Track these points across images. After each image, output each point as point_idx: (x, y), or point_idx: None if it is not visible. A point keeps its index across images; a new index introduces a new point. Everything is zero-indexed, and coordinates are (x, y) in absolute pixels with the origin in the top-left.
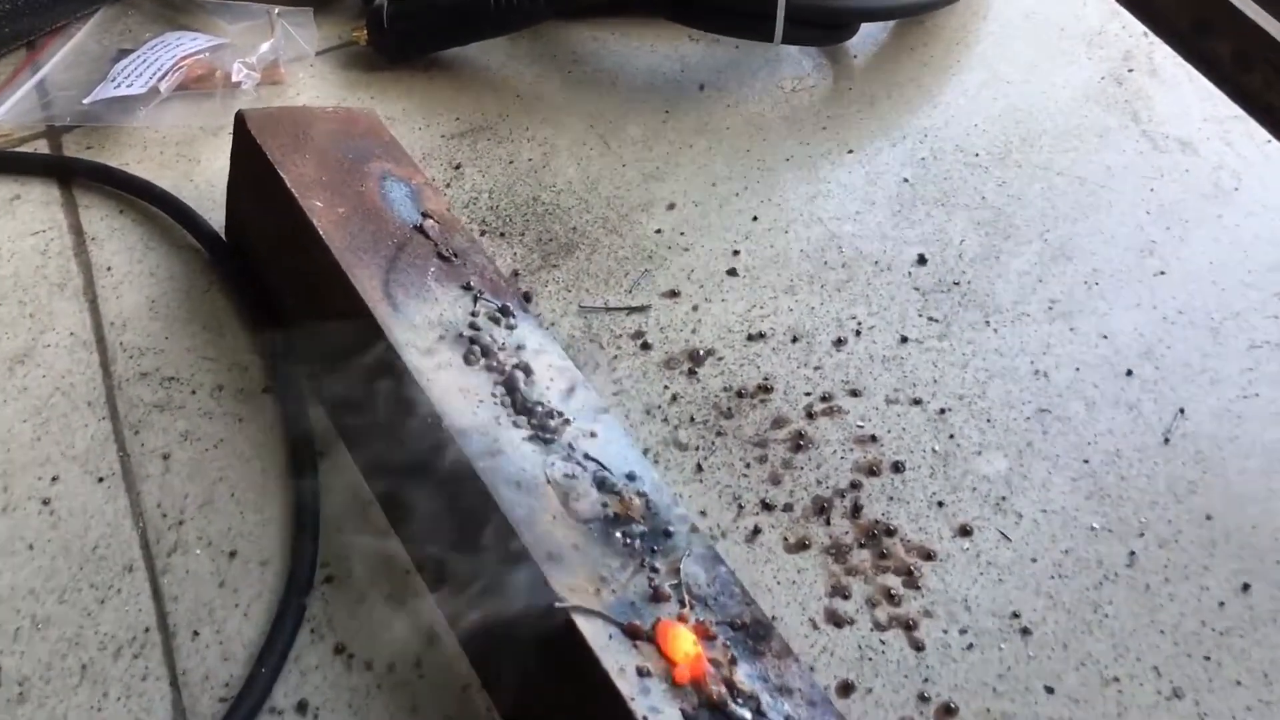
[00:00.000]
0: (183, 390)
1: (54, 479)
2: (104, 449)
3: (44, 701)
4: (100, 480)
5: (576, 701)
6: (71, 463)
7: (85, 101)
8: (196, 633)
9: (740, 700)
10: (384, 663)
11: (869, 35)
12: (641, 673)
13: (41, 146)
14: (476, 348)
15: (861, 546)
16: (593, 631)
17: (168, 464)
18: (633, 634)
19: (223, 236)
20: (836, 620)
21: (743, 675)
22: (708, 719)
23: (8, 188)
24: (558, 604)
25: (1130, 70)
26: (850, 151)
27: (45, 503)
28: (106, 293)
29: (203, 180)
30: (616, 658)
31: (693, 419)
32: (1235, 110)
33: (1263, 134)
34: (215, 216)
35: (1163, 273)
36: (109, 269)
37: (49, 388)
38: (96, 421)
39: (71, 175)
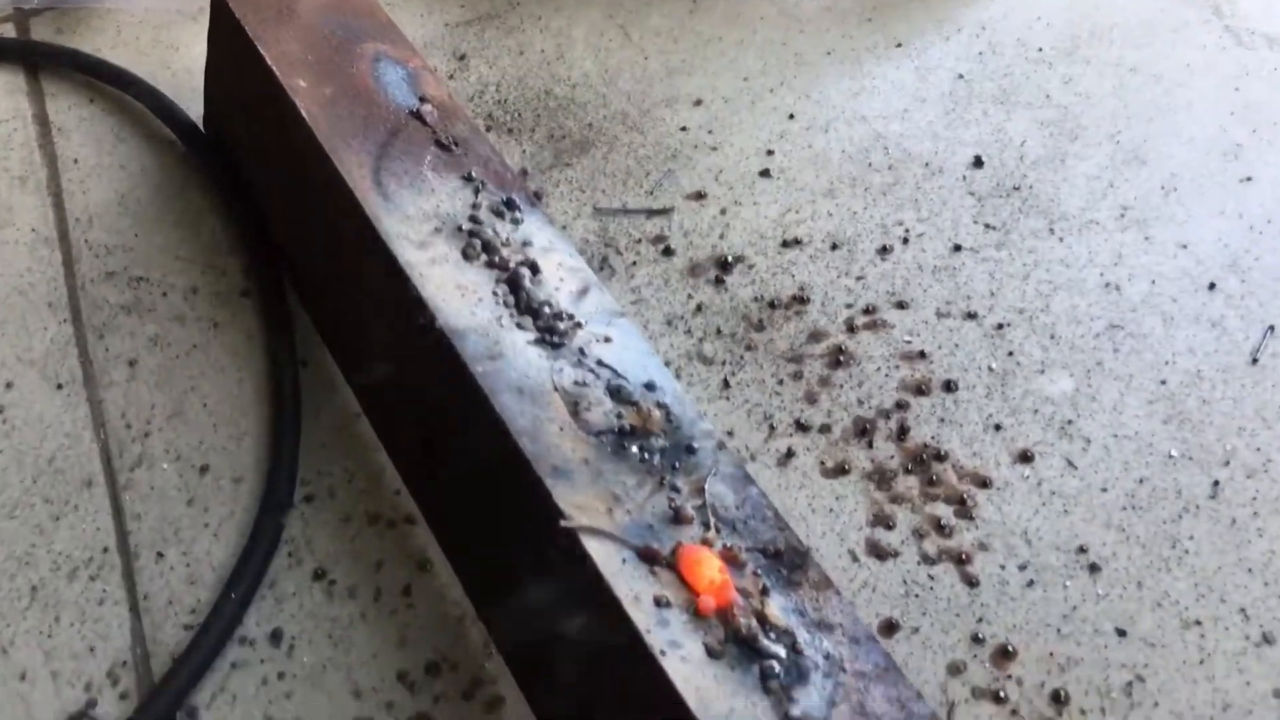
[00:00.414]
0: (153, 292)
1: (8, 385)
2: (64, 353)
3: None
4: (59, 387)
5: (585, 634)
6: (28, 367)
7: None
8: (161, 554)
9: (773, 635)
10: (369, 590)
11: None
12: (659, 602)
13: (8, 31)
14: (477, 242)
15: (908, 472)
16: (604, 555)
17: (134, 371)
18: (650, 559)
19: (200, 127)
20: (879, 553)
21: (776, 608)
22: (736, 655)
23: None
24: (563, 523)
25: None
26: (899, 45)
27: None
28: (72, 187)
29: (181, 68)
30: (630, 585)
31: (719, 331)
32: None
33: None
34: (194, 107)
35: (1249, 179)
36: (76, 161)
37: (6, 287)
38: (57, 324)
39: (38, 60)
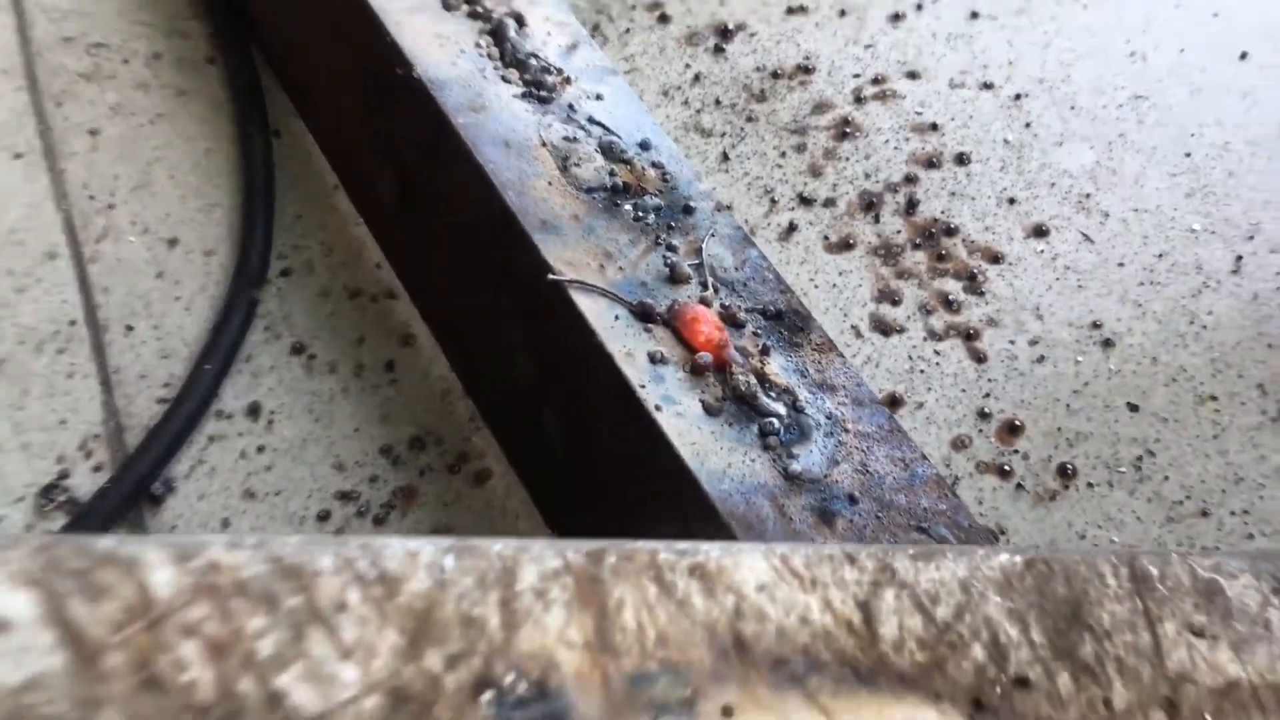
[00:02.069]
0: (113, 59)
1: None
2: (21, 122)
3: None
4: (17, 157)
5: (576, 395)
6: None
7: None
8: (130, 327)
9: (773, 394)
10: (350, 365)
11: None
12: (654, 359)
13: None
14: None
15: (916, 247)
16: (595, 311)
17: (96, 140)
18: (644, 316)
19: None
20: (884, 328)
21: (776, 367)
22: (734, 412)
23: None
24: (552, 276)
25: None
26: None
27: None
28: None
29: None
30: (623, 341)
31: (719, 102)
32: None
33: None
34: None
35: None
36: None
37: None
38: (12, 92)
39: None
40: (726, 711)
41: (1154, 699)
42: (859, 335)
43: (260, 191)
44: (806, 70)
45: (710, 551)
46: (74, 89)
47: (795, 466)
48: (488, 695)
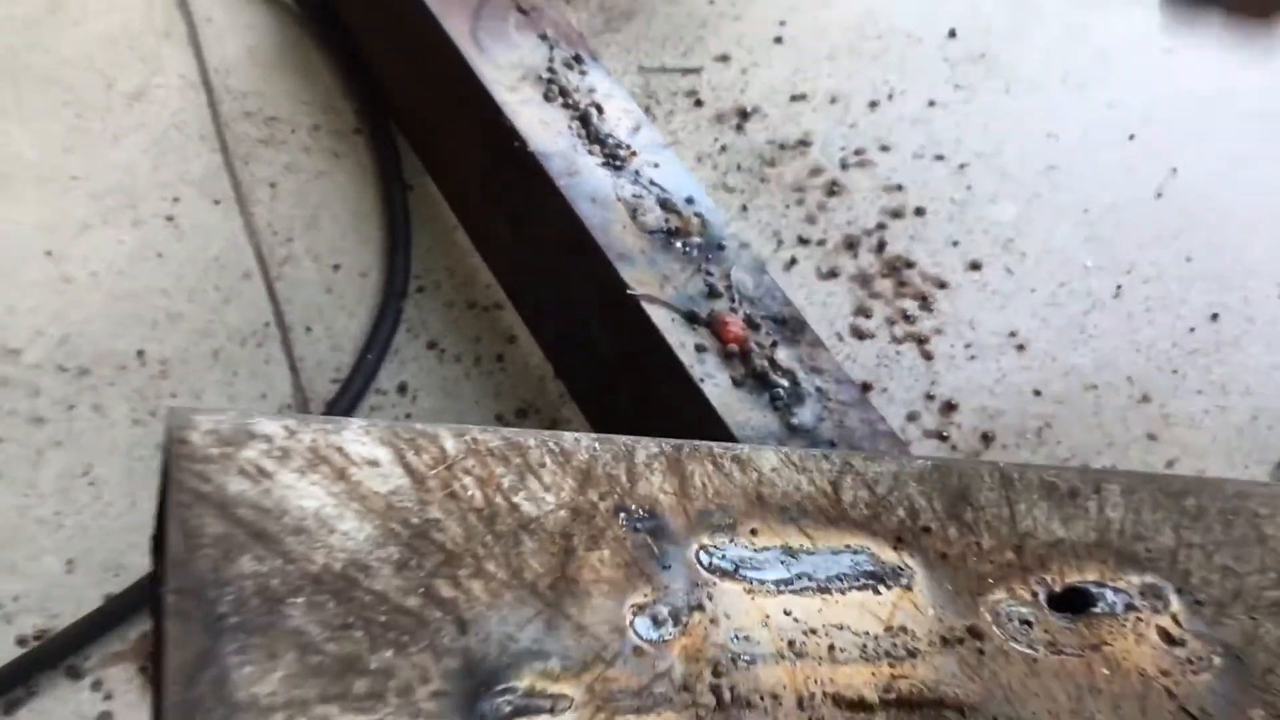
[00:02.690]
0: (283, 129)
1: (175, 199)
2: (217, 176)
3: (184, 378)
4: (216, 203)
5: (643, 374)
6: (190, 187)
7: None
8: (309, 328)
9: (779, 373)
10: (471, 357)
11: None
12: (699, 349)
13: None
14: (554, 88)
15: (884, 276)
16: (659, 315)
17: (275, 191)
18: (691, 319)
19: None
20: (859, 334)
21: (782, 356)
22: (752, 384)
23: None
24: (630, 290)
25: None
26: None
27: (169, 219)
28: (209, 41)
29: None
30: (678, 336)
31: (739, 167)
32: None
33: None
34: None
35: (1169, 50)
36: (210, 20)
37: (164, 123)
38: (209, 153)
39: None
40: (754, 532)
41: (1008, 545)
42: (841, 339)
43: (400, 229)
44: (805, 144)
45: (744, 449)
46: (255, 152)
47: (794, 421)
48: (622, 515)
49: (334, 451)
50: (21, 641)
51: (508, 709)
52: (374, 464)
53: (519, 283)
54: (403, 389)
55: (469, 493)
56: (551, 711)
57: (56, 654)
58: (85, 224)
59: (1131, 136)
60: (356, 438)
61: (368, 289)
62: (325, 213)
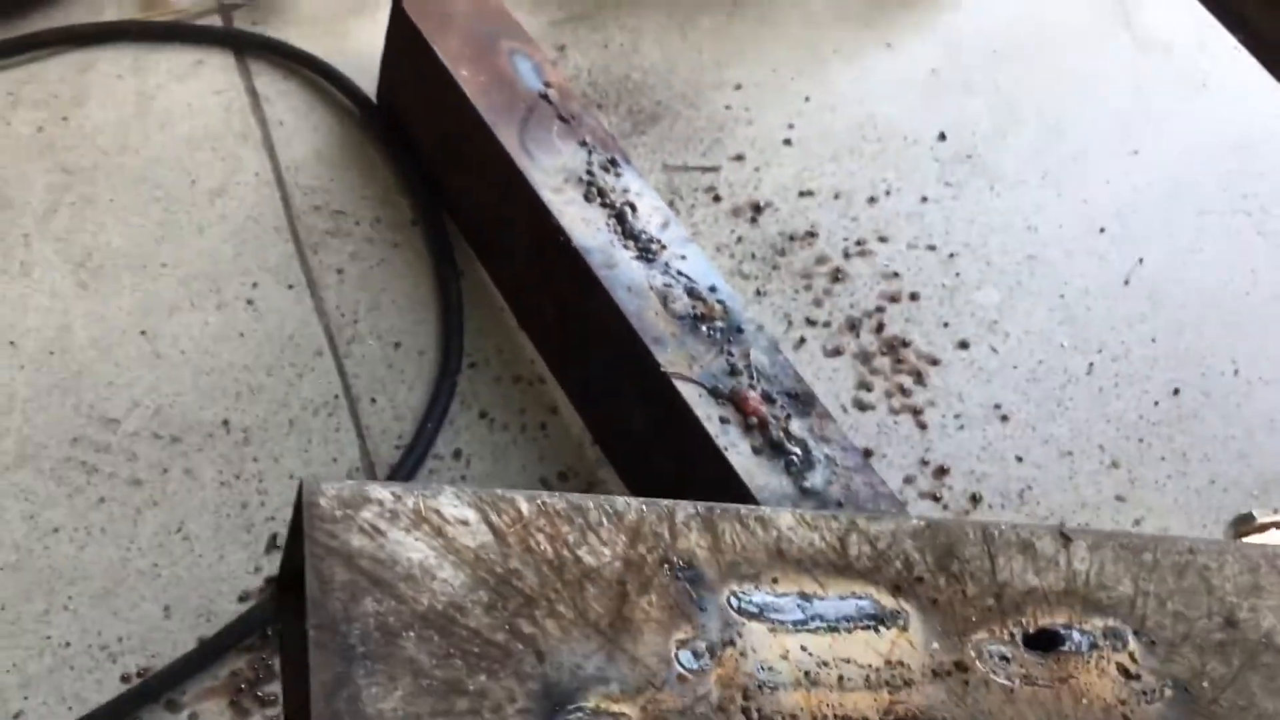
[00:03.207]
0: (348, 221)
1: (254, 285)
2: (290, 264)
3: (264, 445)
4: (290, 287)
5: (674, 442)
6: (266, 273)
7: None
8: (374, 400)
9: (793, 442)
10: (518, 425)
11: None
12: (723, 420)
13: (214, 21)
14: (593, 189)
15: (883, 354)
16: (688, 390)
17: (342, 276)
18: (715, 394)
19: (373, 99)
20: (861, 406)
21: (795, 427)
22: (770, 452)
23: (192, 54)
24: (663, 368)
25: None
26: (889, 45)
27: (249, 303)
28: (281, 143)
29: (352, 53)
30: (705, 409)
31: (754, 256)
32: (1210, 20)
33: (1232, 40)
34: (365, 83)
35: (1136, 151)
36: (281, 124)
37: (243, 216)
38: (282, 243)
39: (244, 46)
40: (775, 581)
41: (989, 592)
42: (845, 411)
43: (453, 311)
44: (812, 235)
45: (765, 510)
46: (324, 241)
47: (806, 484)
48: (666, 566)
49: (432, 513)
50: (125, 679)
51: None
52: (464, 523)
53: (561, 359)
54: (457, 454)
55: (541, 547)
56: None
57: (156, 690)
58: (175, 306)
59: (1102, 229)
60: (450, 501)
61: (425, 365)
62: (386, 296)
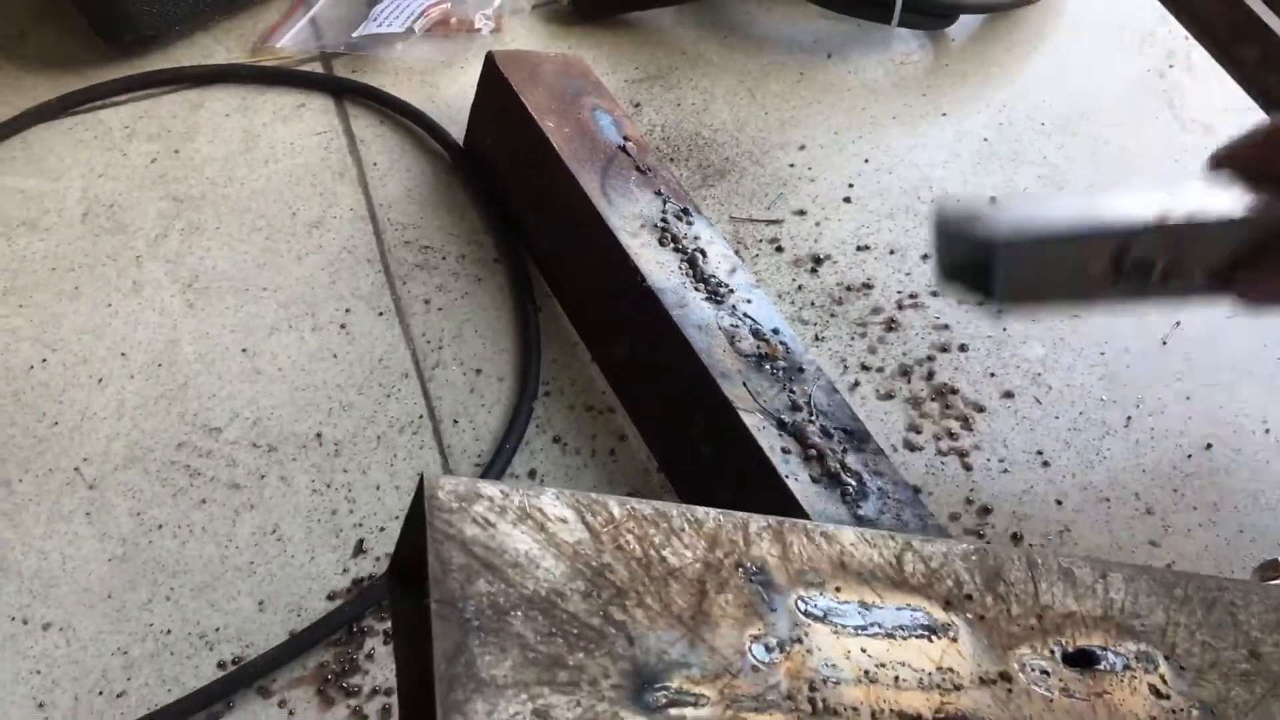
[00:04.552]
0: (435, 256)
1: (347, 310)
2: (381, 293)
3: (353, 457)
4: (380, 314)
5: (736, 470)
6: (359, 300)
7: (353, 35)
8: (456, 421)
9: (849, 474)
10: (588, 450)
11: (966, 24)
12: (784, 450)
13: (316, 68)
14: (667, 235)
15: (932, 400)
16: (753, 422)
17: (428, 306)
18: (780, 425)
19: (461, 145)
20: (911, 447)
21: (850, 460)
22: (827, 483)
23: (295, 97)
24: (732, 403)
25: (1171, 66)
26: (944, 114)
27: (343, 327)
28: (375, 182)
29: (442, 102)
30: (769, 440)
31: (813, 304)
32: (1250, 104)
33: None
34: (453, 130)
35: None
36: (375, 164)
37: (338, 247)
38: (374, 273)
39: (343, 91)
40: (838, 589)
41: (1032, 613)
42: (895, 451)
43: (531, 342)
44: (868, 287)
45: (830, 526)
46: (412, 274)
47: (860, 512)
48: (740, 570)
49: (536, 510)
50: (221, 665)
51: (664, 700)
52: (563, 521)
53: (631, 391)
54: (532, 474)
55: (631, 546)
56: (695, 705)
57: (250, 676)
58: (274, 327)
59: None
60: (551, 501)
61: (504, 391)
62: (469, 326)
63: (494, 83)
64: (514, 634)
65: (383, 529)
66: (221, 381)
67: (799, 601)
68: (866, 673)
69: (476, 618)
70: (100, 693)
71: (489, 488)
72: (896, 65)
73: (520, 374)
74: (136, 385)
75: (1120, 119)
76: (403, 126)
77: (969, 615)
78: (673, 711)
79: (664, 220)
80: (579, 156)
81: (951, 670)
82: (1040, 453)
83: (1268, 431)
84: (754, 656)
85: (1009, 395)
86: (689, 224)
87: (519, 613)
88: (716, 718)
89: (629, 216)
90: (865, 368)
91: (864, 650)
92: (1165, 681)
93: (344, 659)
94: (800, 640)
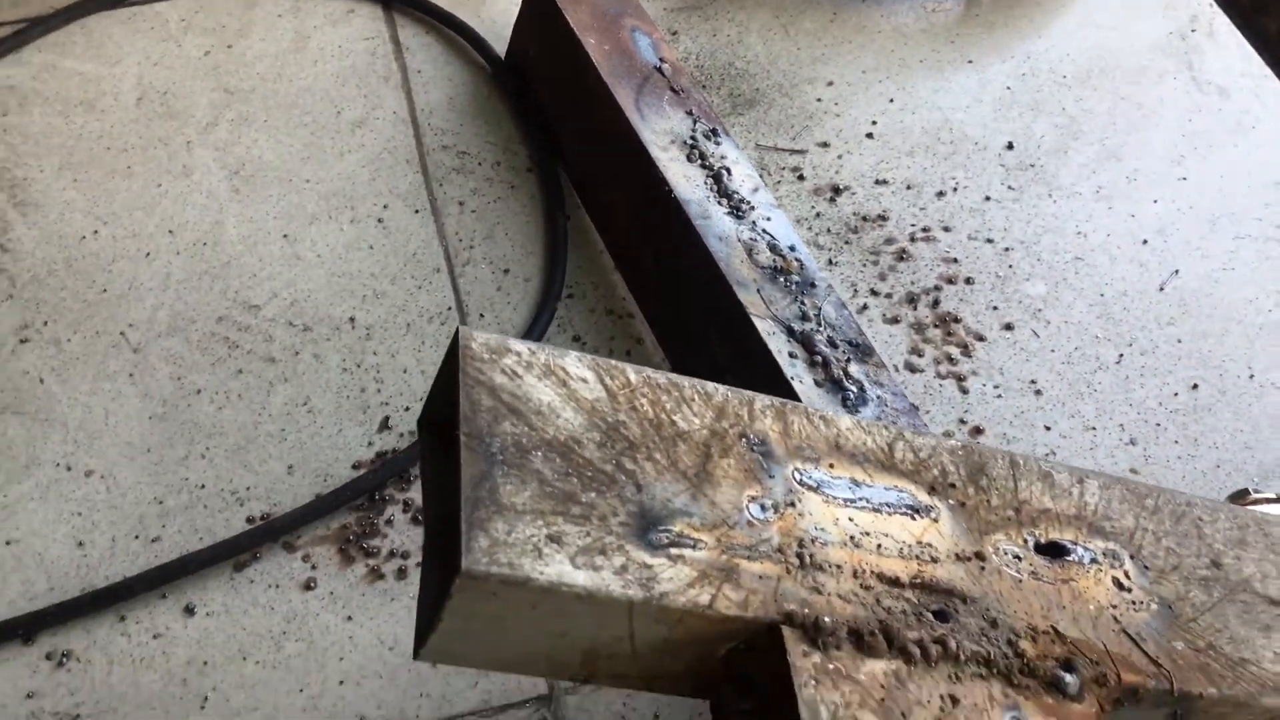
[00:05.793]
0: (472, 161)
1: (385, 206)
2: (418, 192)
3: (384, 340)
4: (416, 212)
5: (746, 372)
6: (396, 198)
7: None
8: (482, 315)
9: (850, 381)
10: (605, 351)
11: None
12: (791, 355)
13: None
14: (695, 152)
15: (935, 327)
16: (764, 328)
17: (462, 208)
18: (789, 332)
19: (502, 58)
20: (912, 369)
21: (853, 369)
22: (830, 387)
23: (345, 3)
24: (745, 308)
25: (1193, 30)
26: (970, 62)
27: (379, 221)
28: (418, 88)
29: (487, 17)
30: (777, 344)
31: (829, 230)
32: (1268, 72)
33: None
34: (496, 44)
35: (1184, 178)
36: (419, 71)
37: (379, 147)
38: (413, 173)
39: (392, 1)
40: (831, 465)
41: (1010, 506)
42: (897, 370)
43: (559, 247)
44: (883, 219)
45: (829, 412)
46: (449, 177)
47: (858, 416)
48: (744, 439)
49: (559, 368)
50: (250, 520)
51: (665, 540)
52: (584, 380)
53: (651, 297)
54: None
55: (644, 408)
56: (693, 548)
57: (277, 532)
58: (314, 217)
59: (1145, 241)
60: (574, 362)
61: (529, 291)
62: (500, 229)
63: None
64: (534, 470)
65: (408, 409)
66: (262, 263)
67: (795, 472)
68: (852, 538)
69: (501, 452)
70: (136, 536)
71: (518, 344)
72: (928, 12)
73: (546, 276)
74: (182, 261)
75: (1139, 77)
76: (447, 37)
77: (951, 501)
78: (673, 550)
79: (693, 138)
80: (616, 73)
81: (930, 545)
82: (1034, 382)
83: (1252, 377)
84: (750, 513)
85: (1009, 327)
86: (717, 144)
87: (539, 453)
88: (712, 560)
89: (660, 132)
90: (874, 293)
91: (851, 520)
92: (1128, 577)
93: (365, 523)
94: (794, 505)
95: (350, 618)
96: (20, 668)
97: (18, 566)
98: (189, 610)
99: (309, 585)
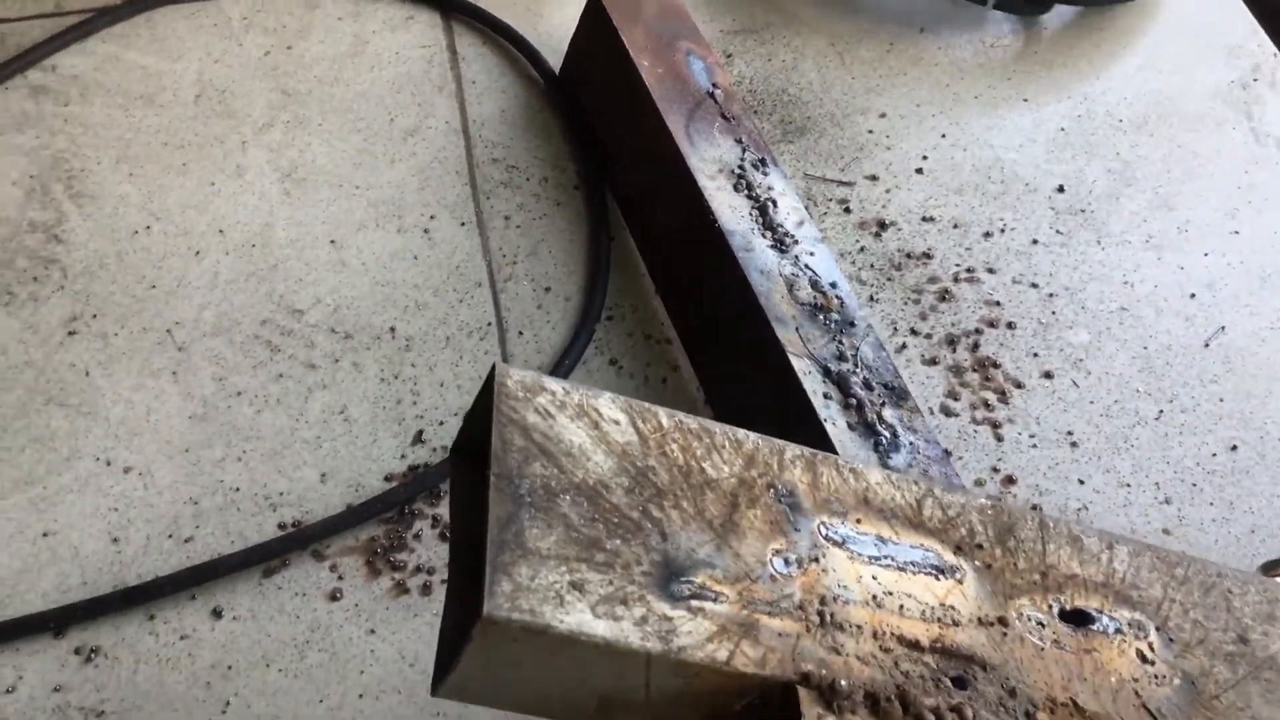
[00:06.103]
0: (520, 176)
1: (432, 217)
2: (465, 204)
3: (422, 354)
4: (462, 224)
5: (779, 410)
6: (443, 209)
7: None
8: (521, 332)
9: (884, 426)
10: (642, 376)
11: (1060, 14)
12: (827, 396)
13: None
14: (742, 182)
15: (973, 371)
16: (800, 366)
17: (508, 223)
18: (825, 372)
19: (556, 73)
20: (947, 412)
21: (888, 414)
22: (863, 431)
23: (405, 9)
24: (783, 345)
25: (1255, 80)
26: (1025, 100)
27: (426, 231)
28: (471, 98)
29: (544, 31)
30: (813, 385)
31: (872, 266)
32: None
33: None
34: (551, 59)
35: (1237, 232)
36: (474, 82)
37: (430, 156)
38: (461, 185)
39: (452, 9)
40: (858, 521)
41: (1036, 570)
42: (932, 413)
43: (601, 268)
44: (928, 256)
45: (859, 465)
46: (496, 190)
47: (889, 463)
48: (771, 490)
49: (592, 409)
50: (281, 526)
51: (687, 592)
52: (616, 422)
53: (690, 325)
54: None
55: (674, 454)
56: (714, 600)
57: (307, 540)
58: (362, 224)
59: (1193, 295)
60: (607, 403)
61: (569, 310)
62: (544, 246)
63: (596, 16)
64: (561, 514)
65: (442, 423)
66: (309, 268)
67: (821, 526)
68: (874, 597)
69: (529, 495)
70: (170, 536)
71: (552, 383)
72: (986, 47)
73: (587, 296)
74: (231, 261)
75: (1197, 125)
76: (503, 49)
77: (977, 563)
78: (694, 603)
79: (741, 167)
80: (669, 97)
81: (953, 608)
82: (1070, 433)
83: None
84: (774, 567)
85: (1048, 375)
86: (764, 174)
87: (567, 496)
88: (733, 615)
89: (709, 159)
90: (914, 332)
91: (875, 578)
92: (1153, 649)
93: (394, 536)
94: (818, 560)
95: (373, 631)
96: (50, 660)
97: (53, 559)
98: (216, 613)
99: (335, 595)
